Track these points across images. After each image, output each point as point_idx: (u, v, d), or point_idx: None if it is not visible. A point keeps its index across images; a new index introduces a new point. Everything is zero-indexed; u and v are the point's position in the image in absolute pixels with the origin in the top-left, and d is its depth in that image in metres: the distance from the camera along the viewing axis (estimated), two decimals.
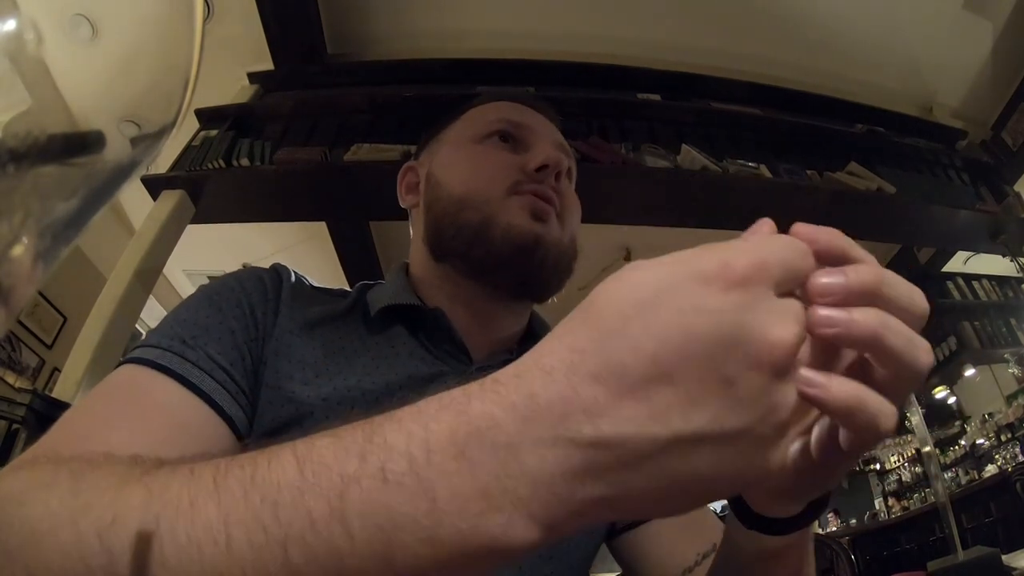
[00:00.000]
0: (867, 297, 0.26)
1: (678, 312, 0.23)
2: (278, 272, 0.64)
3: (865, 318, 0.26)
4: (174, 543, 0.26)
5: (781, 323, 0.24)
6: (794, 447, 0.29)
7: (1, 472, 0.38)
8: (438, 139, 0.75)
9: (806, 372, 0.25)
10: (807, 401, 0.25)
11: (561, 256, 0.66)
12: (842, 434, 0.28)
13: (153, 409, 0.48)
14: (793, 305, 0.25)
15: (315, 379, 0.56)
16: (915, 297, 0.27)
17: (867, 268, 0.27)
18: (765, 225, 0.28)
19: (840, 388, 0.25)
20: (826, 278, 0.26)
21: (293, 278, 0.65)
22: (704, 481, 0.24)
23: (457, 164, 0.68)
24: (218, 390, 0.51)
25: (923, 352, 0.27)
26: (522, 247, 0.62)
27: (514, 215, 0.63)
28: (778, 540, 0.39)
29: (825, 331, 0.25)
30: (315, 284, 0.67)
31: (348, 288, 0.70)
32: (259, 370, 0.56)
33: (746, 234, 0.28)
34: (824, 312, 0.26)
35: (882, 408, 0.26)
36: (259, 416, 0.55)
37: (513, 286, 0.65)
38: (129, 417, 0.46)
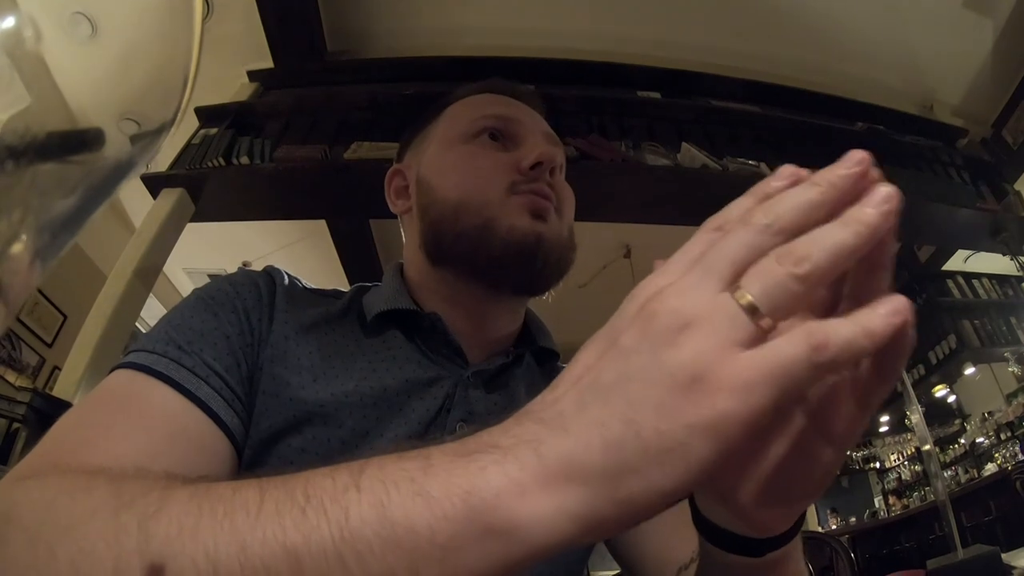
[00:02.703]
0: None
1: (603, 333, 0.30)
2: (271, 275, 0.63)
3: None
4: (211, 518, 0.28)
5: (645, 289, 0.29)
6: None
7: (11, 479, 0.38)
8: (422, 138, 0.73)
9: (884, 305, 0.26)
10: (893, 332, 0.26)
11: (562, 251, 0.65)
12: (865, 388, 0.30)
13: (151, 417, 0.47)
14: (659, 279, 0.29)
15: (312, 383, 0.56)
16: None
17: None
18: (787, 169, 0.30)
19: (900, 301, 0.27)
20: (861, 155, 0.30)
21: (287, 280, 0.64)
22: (634, 421, 0.25)
23: (448, 167, 0.67)
24: (214, 397, 0.51)
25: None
26: (525, 247, 0.62)
27: (514, 216, 0.62)
28: (777, 552, 0.38)
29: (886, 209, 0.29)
30: (308, 286, 0.67)
31: (344, 287, 0.69)
32: (255, 376, 0.55)
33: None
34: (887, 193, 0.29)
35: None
36: (255, 423, 0.54)
37: (513, 285, 0.65)
38: (127, 425, 0.46)
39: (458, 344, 0.63)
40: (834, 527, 5.27)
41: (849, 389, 0.30)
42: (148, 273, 2.23)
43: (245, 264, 3.95)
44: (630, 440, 0.25)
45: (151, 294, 2.36)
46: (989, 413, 4.30)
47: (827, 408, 0.31)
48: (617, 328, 0.28)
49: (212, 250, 3.72)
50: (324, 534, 0.26)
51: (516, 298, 0.68)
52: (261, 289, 0.61)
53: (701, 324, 0.25)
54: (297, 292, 0.64)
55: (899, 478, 5.11)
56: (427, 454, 0.28)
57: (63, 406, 1.75)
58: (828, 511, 5.51)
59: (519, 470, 0.26)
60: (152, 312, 4.01)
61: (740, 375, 0.24)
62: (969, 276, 4.25)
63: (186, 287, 4.25)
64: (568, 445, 0.26)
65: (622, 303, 0.30)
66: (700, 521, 0.39)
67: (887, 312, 0.26)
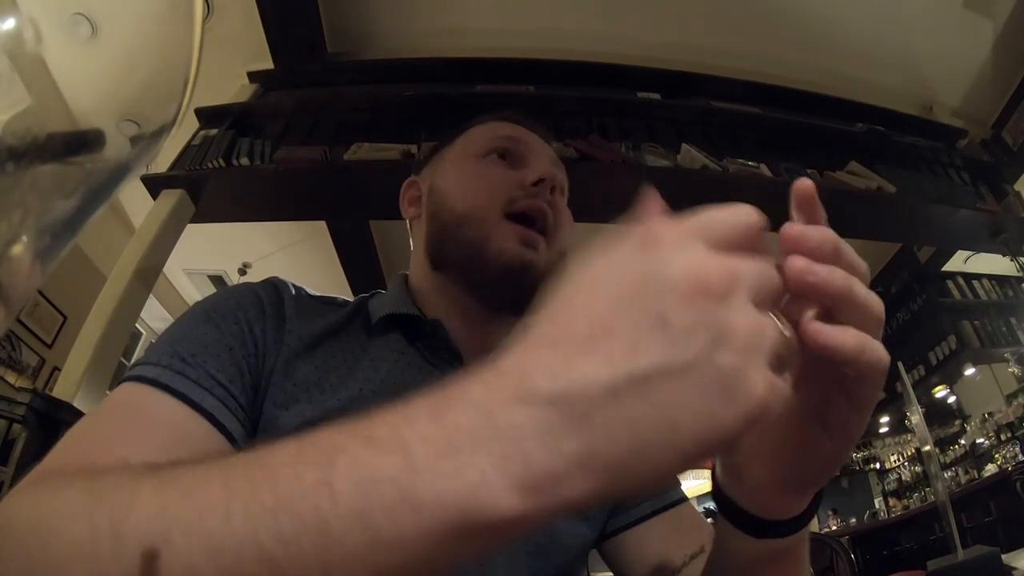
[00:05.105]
0: (832, 253, 0.30)
1: (608, 276, 0.27)
2: (276, 287, 0.64)
3: (838, 272, 0.29)
4: (179, 520, 0.27)
5: (705, 259, 0.26)
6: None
7: (15, 490, 0.38)
8: (440, 156, 0.78)
9: (813, 323, 0.29)
10: (821, 350, 0.29)
11: (550, 275, 0.67)
12: (849, 387, 0.32)
13: (156, 427, 0.48)
14: (725, 254, 0.27)
15: (319, 395, 0.58)
16: (860, 259, 0.31)
17: (827, 229, 0.31)
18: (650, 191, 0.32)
19: (846, 332, 0.29)
20: (800, 228, 0.30)
21: (293, 291, 0.65)
22: (675, 424, 0.24)
23: (458, 179, 0.72)
24: (219, 407, 0.51)
25: (879, 303, 0.30)
26: (511, 270, 0.65)
27: (506, 240, 0.65)
28: (778, 543, 0.40)
29: (809, 279, 0.28)
30: (313, 293, 0.68)
31: (344, 288, 0.70)
32: (259, 386, 0.57)
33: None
34: (804, 262, 0.29)
35: (878, 345, 0.30)
36: (263, 431, 0.55)
37: (500, 304, 0.68)
38: (132, 435, 0.46)
39: (458, 350, 0.65)
40: (834, 528, 5.26)
41: (840, 387, 0.32)
42: (148, 274, 2.23)
43: (245, 265, 3.95)
44: (664, 440, 0.24)
45: (151, 295, 2.36)
46: (989, 414, 4.29)
47: (824, 402, 0.33)
48: (656, 290, 0.25)
49: (212, 251, 3.72)
50: (305, 546, 0.25)
51: (508, 315, 0.70)
52: (264, 300, 0.61)
53: (750, 332, 0.25)
54: (304, 301, 0.65)
55: (899, 479, 5.10)
56: (403, 444, 0.25)
57: (63, 407, 1.75)
58: (828, 512, 5.51)
59: (524, 469, 0.24)
60: (152, 313, 4.02)
61: (768, 395, 0.25)
62: (969, 277, 4.25)
63: (186, 288, 4.26)
64: (588, 442, 0.24)
65: (636, 235, 0.27)
66: (719, 496, 0.41)
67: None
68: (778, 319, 0.27)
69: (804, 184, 0.32)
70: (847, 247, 0.30)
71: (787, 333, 0.27)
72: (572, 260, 0.29)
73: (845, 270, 0.30)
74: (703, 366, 0.24)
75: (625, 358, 0.24)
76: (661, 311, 0.25)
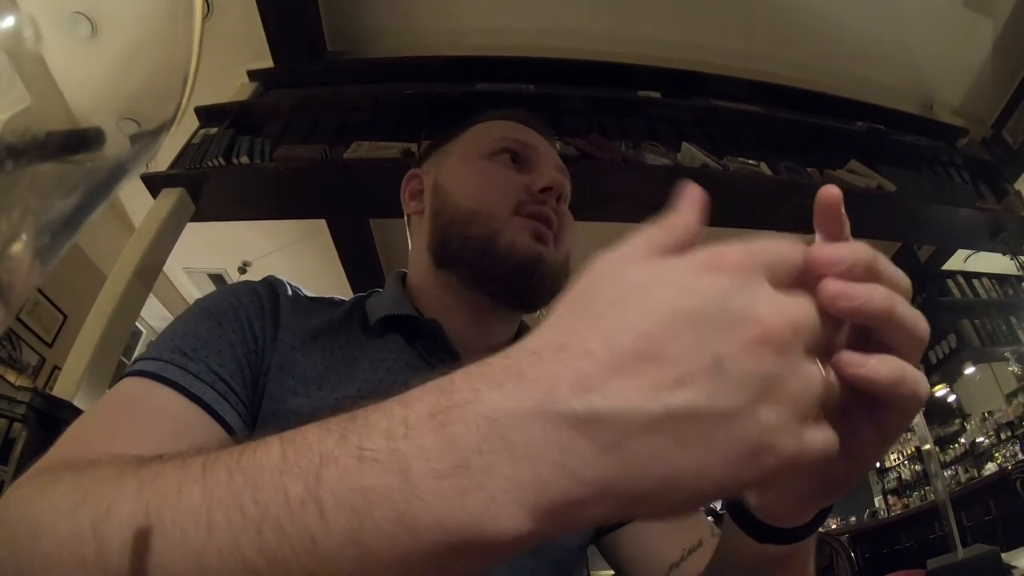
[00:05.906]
0: (867, 272, 0.27)
1: (668, 293, 0.24)
2: (273, 286, 0.65)
3: (878, 291, 0.27)
4: (160, 527, 0.26)
5: (772, 305, 0.24)
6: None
7: (13, 485, 0.39)
8: (444, 150, 0.77)
9: (847, 354, 0.27)
10: (854, 382, 0.27)
11: (557, 274, 0.68)
12: (879, 416, 0.30)
13: (157, 419, 0.48)
14: (786, 294, 0.25)
15: (317, 391, 0.58)
16: (901, 274, 0.29)
17: (861, 245, 0.28)
18: (692, 187, 0.29)
19: (883, 362, 0.27)
20: (830, 249, 0.27)
21: (289, 291, 0.66)
22: (703, 467, 0.22)
23: (465, 178, 0.71)
24: (219, 401, 0.52)
25: (923, 322, 0.28)
26: (524, 263, 0.65)
27: (518, 234, 0.65)
28: (780, 548, 0.39)
29: (844, 304, 0.26)
30: (310, 294, 0.69)
31: (344, 287, 0.71)
32: (259, 381, 0.57)
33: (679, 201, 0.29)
34: (840, 285, 0.26)
35: (918, 376, 0.27)
36: (262, 426, 0.56)
37: (510, 298, 0.68)
38: (134, 427, 0.47)
39: (456, 350, 0.65)
40: (834, 527, 5.26)
41: (870, 415, 0.30)
42: (148, 273, 2.23)
43: (245, 264, 3.95)
44: (689, 480, 0.22)
45: (151, 294, 2.36)
46: (989, 413, 4.29)
47: (849, 429, 0.30)
48: (718, 327, 0.23)
49: (212, 250, 3.72)
50: (291, 562, 0.24)
51: (511, 311, 0.70)
52: (263, 298, 0.62)
53: (799, 388, 0.23)
54: (300, 301, 0.65)
55: (899, 478, 5.10)
56: (400, 460, 0.23)
57: (63, 406, 1.75)
58: None
59: (538, 497, 0.22)
60: (152, 312, 4.02)
61: (798, 453, 0.23)
62: (969, 276, 4.24)
63: (186, 287, 4.25)
64: (613, 473, 0.22)
65: (700, 257, 0.25)
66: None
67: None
68: (824, 366, 0.25)
69: (829, 193, 0.30)
70: (886, 262, 0.28)
71: (832, 379, 0.25)
72: (609, 257, 0.27)
73: (886, 286, 0.27)
74: (743, 418, 0.22)
75: (671, 391, 0.22)
76: (718, 352, 0.23)
